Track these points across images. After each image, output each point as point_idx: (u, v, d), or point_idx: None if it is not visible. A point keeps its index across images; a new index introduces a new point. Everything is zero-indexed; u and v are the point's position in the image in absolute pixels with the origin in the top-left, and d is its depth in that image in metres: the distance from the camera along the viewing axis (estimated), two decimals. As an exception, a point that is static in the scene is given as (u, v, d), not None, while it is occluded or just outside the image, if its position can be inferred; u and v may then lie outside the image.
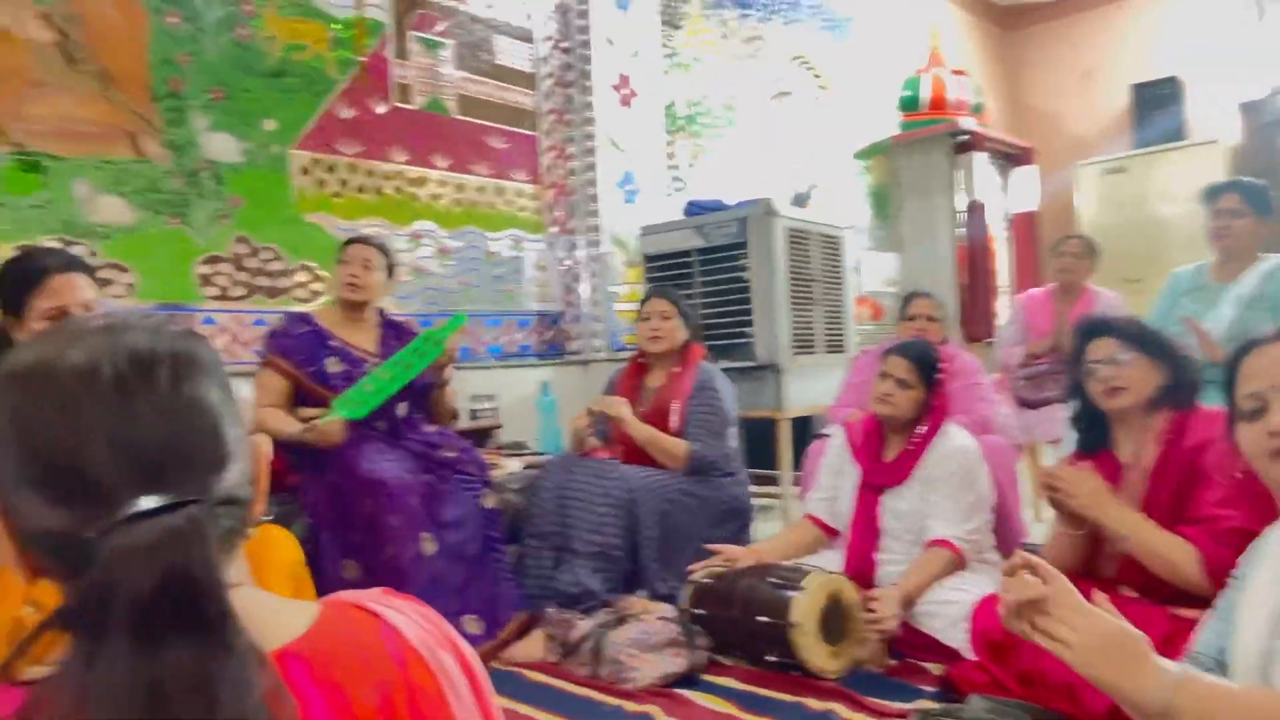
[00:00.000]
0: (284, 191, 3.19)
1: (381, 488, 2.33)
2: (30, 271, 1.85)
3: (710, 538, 2.64)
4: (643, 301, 3.01)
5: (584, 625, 2.32)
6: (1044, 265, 4.70)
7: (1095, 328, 2.05)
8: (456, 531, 2.43)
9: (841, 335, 4.03)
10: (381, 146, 3.47)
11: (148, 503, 0.53)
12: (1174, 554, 1.77)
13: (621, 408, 2.78)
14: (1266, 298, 2.82)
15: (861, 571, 2.41)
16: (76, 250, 2.60)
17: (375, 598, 0.66)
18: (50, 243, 2.61)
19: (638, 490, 2.62)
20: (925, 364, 2.45)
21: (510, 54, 3.93)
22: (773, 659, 2.21)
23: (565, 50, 4.09)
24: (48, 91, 2.67)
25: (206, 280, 2.99)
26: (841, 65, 5.48)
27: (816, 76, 5.34)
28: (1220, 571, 1.68)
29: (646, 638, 2.22)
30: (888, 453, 2.51)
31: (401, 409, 2.60)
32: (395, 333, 2.72)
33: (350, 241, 2.68)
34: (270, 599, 0.62)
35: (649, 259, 3.98)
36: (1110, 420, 2.02)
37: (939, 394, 2.48)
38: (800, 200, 4.66)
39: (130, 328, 0.59)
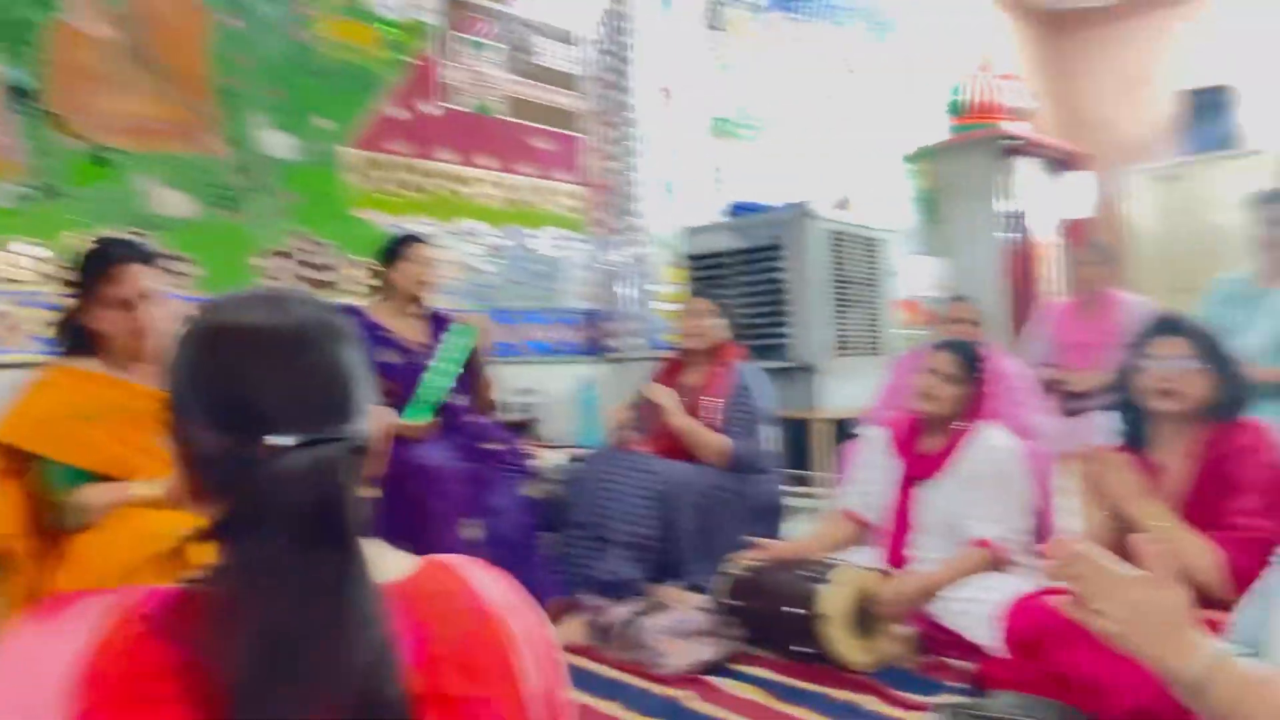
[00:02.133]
0: (336, 188, 3.30)
1: (427, 474, 2.41)
2: (99, 260, 1.95)
3: (744, 533, 2.68)
4: (685, 301, 3.06)
5: (619, 611, 2.37)
6: (1071, 275, 4.66)
7: (1170, 325, 2.04)
8: (499, 519, 2.51)
9: (880, 337, 4.04)
10: (429, 146, 3.57)
11: (305, 436, 0.64)
12: (1195, 556, 1.78)
13: (667, 396, 2.84)
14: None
15: (896, 566, 2.43)
16: (141, 241, 2.73)
17: (468, 563, 0.77)
18: (119, 233, 2.73)
19: (674, 483, 2.67)
20: (969, 361, 2.48)
21: (554, 56, 4.01)
22: (802, 650, 2.24)
23: (609, 53, 4.16)
24: (116, 88, 2.80)
25: (262, 273, 3.10)
26: (889, 68, 5.48)
27: (862, 80, 5.35)
28: (1241, 580, 1.67)
29: (679, 625, 2.27)
30: (926, 446, 2.53)
31: (453, 398, 2.70)
32: (440, 323, 2.82)
33: (411, 239, 2.78)
34: (377, 545, 0.71)
35: (691, 259, 4.03)
36: (1152, 420, 2.02)
37: (980, 393, 2.50)
38: (841, 204, 4.67)
39: (293, 300, 0.72)
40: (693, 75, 4.35)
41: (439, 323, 2.83)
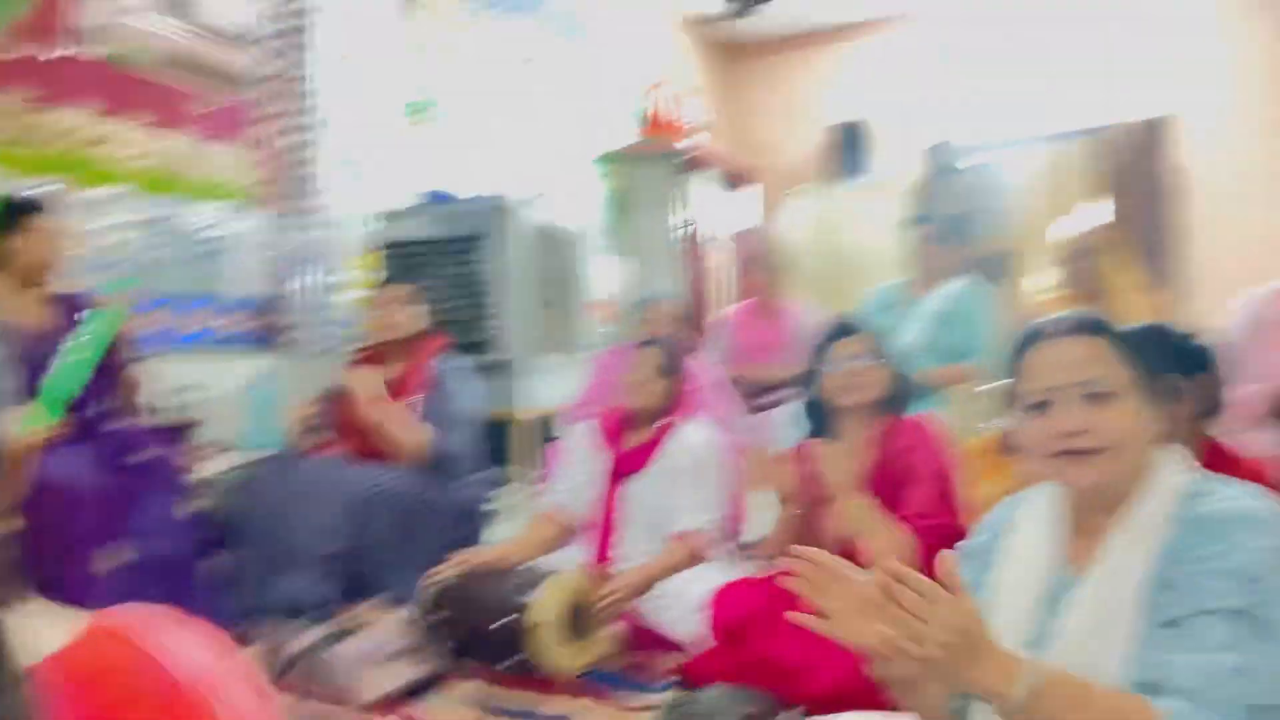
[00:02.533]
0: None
1: (55, 493, 1.96)
2: None
3: (445, 540, 2.50)
4: (377, 289, 2.81)
5: (304, 639, 2.09)
6: (745, 283, 5.03)
7: (848, 327, 2.20)
8: (152, 542, 2.11)
9: (579, 335, 4.04)
10: (61, 95, 2.96)
11: None
12: (896, 546, 1.92)
13: (367, 382, 2.58)
14: (951, 315, 3.20)
15: (604, 561, 2.40)
16: None
17: (152, 620, 0.60)
18: None
19: (367, 489, 2.43)
20: (674, 358, 2.53)
21: (223, 10, 3.52)
22: (513, 662, 2.12)
23: (287, 14, 3.75)
24: None
25: None
26: (581, 70, 5.54)
27: (552, 77, 5.36)
28: (920, 569, 1.84)
29: (377, 648, 2.05)
30: (633, 440, 2.54)
31: (89, 397, 2.23)
32: (72, 307, 2.34)
33: (32, 205, 2.29)
34: (27, 603, 0.57)
35: (385, 246, 3.74)
36: (835, 415, 2.17)
37: (683, 388, 2.57)
38: (536, 199, 4.62)
39: None
40: (383, 51, 4.05)
41: (71, 307, 2.35)
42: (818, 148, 6.58)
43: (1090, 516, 1.14)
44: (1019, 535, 1.22)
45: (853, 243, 6.13)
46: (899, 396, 2.17)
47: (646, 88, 5.69)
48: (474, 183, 4.24)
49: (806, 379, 2.24)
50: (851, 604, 1.04)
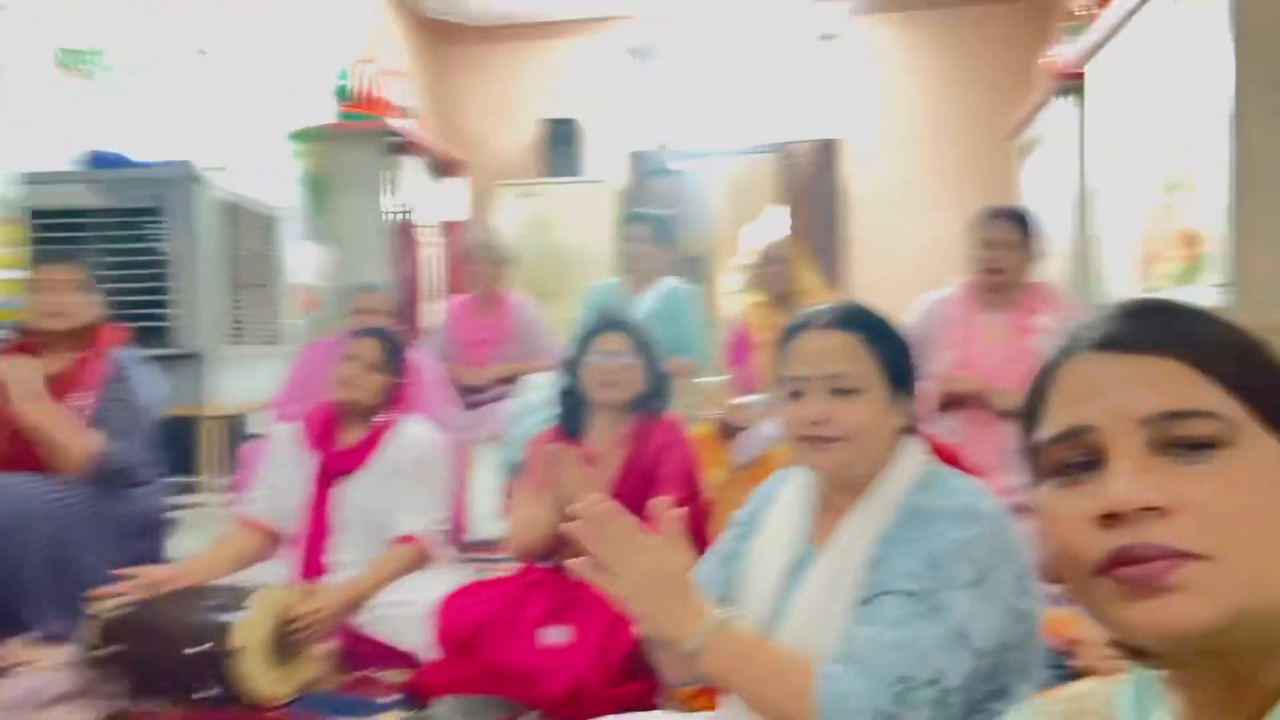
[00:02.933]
0: None
1: None
2: None
3: (118, 560, 2.15)
4: (33, 267, 2.36)
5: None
6: (464, 275, 4.93)
7: (614, 323, 2.18)
8: None
9: (277, 325, 3.69)
10: None
11: None
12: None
13: (23, 374, 2.14)
14: (665, 313, 3.33)
15: (314, 573, 2.20)
16: None
17: None
18: None
19: (14, 504, 2.03)
20: (392, 350, 2.38)
21: None
22: (210, 694, 1.87)
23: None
24: None
25: None
26: (275, 35, 5.07)
27: (243, 42, 4.85)
28: None
29: (33, 694, 1.71)
30: (346, 439, 2.35)
31: None
32: None
33: None
34: None
35: (34, 215, 3.14)
36: (591, 411, 2.15)
37: (401, 383, 2.42)
38: (225, 170, 4.15)
39: None
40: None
41: None
42: (530, 142, 6.58)
43: (836, 497, 1.21)
44: (775, 509, 1.29)
45: (565, 240, 6.21)
46: (655, 396, 2.19)
47: (352, 63, 5.34)
48: (151, 148, 3.71)
49: (566, 371, 2.20)
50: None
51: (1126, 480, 0.52)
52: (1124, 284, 3.29)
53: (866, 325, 1.22)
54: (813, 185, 6.02)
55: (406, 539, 2.23)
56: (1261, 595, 0.50)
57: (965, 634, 1.04)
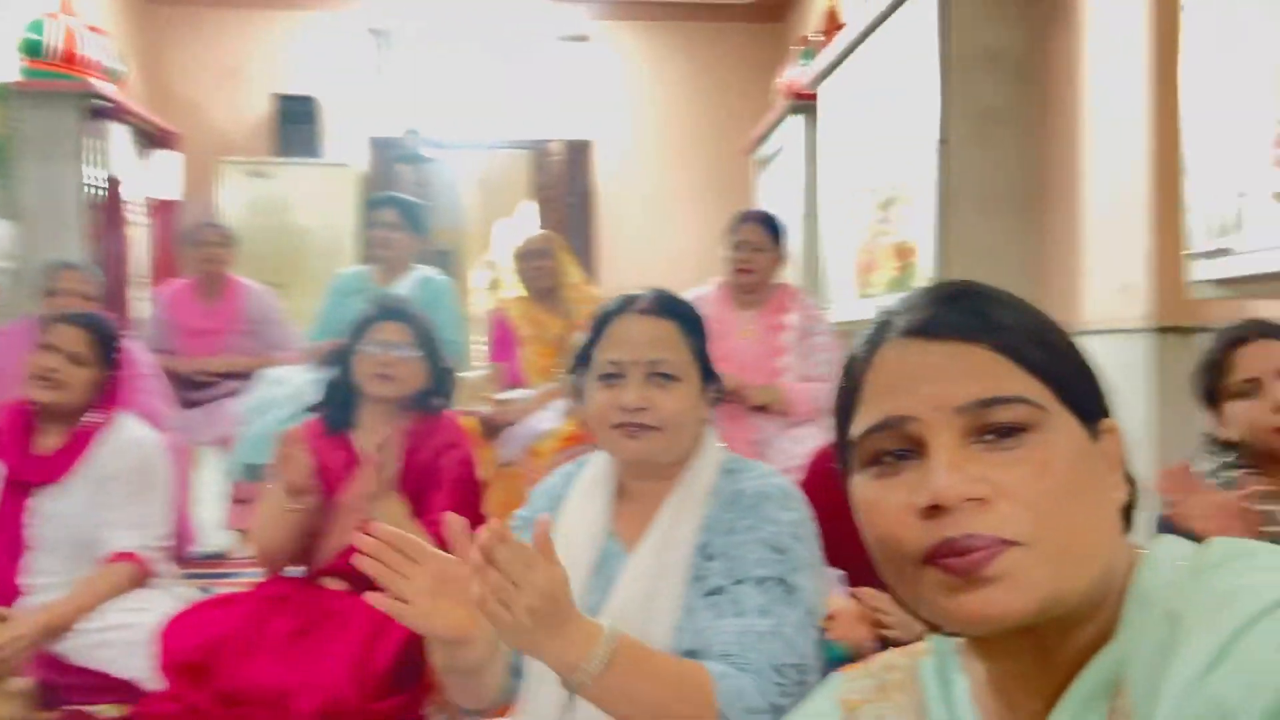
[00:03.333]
0: None
1: None
2: None
3: None
4: None
5: None
6: (184, 257, 4.47)
7: (394, 311, 2.01)
8: None
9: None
10: None
11: None
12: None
13: None
14: (420, 304, 3.18)
15: (7, 601, 1.88)
16: None
17: None
18: None
19: None
20: (103, 339, 2.06)
21: None
22: None
23: None
24: None
25: None
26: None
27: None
28: None
29: None
30: (44, 444, 2.03)
31: None
32: None
33: None
34: None
35: None
36: (364, 405, 1.99)
37: (115, 378, 2.11)
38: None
39: None
40: None
41: None
42: (259, 118, 6.08)
43: (641, 487, 1.20)
44: (569, 507, 1.24)
45: (300, 224, 5.80)
46: (436, 394, 2.05)
47: (45, 14, 4.65)
48: None
49: (335, 358, 2.02)
50: (425, 585, 1.00)
51: (948, 472, 0.53)
52: (845, 291, 3.60)
53: (683, 314, 1.22)
54: (564, 184, 6.06)
55: (121, 556, 1.96)
56: (1072, 574, 0.53)
57: (813, 613, 1.08)
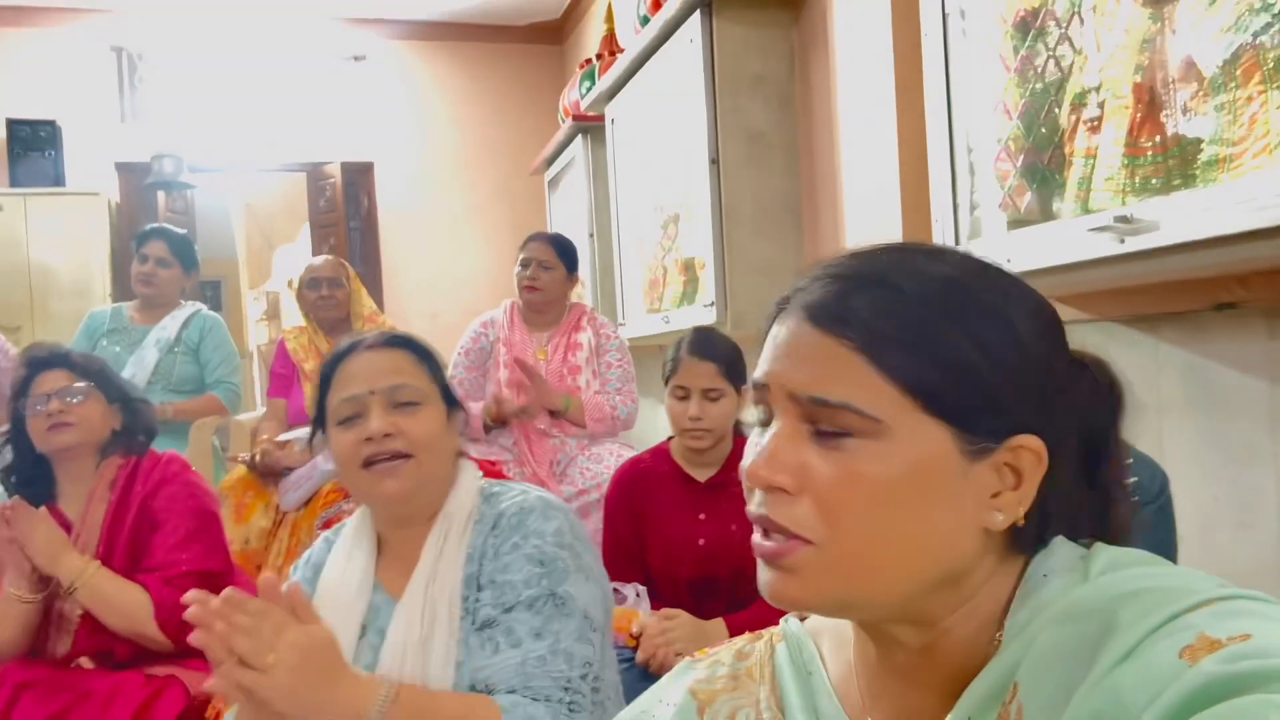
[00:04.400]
0: None
1: None
2: None
3: None
4: None
5: None
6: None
7: (46, 359, 1.80)
8: None
9: None
10: None
11: None
12: (128, 603, 1.66)
13: None
14: (190, 342, 2.94)
15: None
16: None
17: None
18: None
19: None
20: None
21: None
22: None
23: None
24: None
25: None
26: None
27: None
28: (172, 618, 1.63)
29: None
30: None
31: None
32: None
33: None
34: None
35: None
36: (54, 464, 1.79)
37: None
38: None
39: None
40: None
41: None
42: (-15, 144, 5.42)
43: (402, 535, 1.16)
44: (329, 568, 1.19)
45: (41, 260, 5.23)
46: (129, 433, 1.87)
47: None
48: None
49: (14, 426, 1.80)
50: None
51: (762, 455, 0.55)
52: (636, 307, 3.68)
53: (414, 345, 1.22)
54: (344, 207, 5.82)
55: None
56: (868, 585, 0.53)
57: (589, 617, 1.08)
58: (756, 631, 0.68)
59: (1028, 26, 1.56)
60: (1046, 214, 1.54)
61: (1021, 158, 1.59)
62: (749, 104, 2.81)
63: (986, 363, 0.53)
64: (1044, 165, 1.54)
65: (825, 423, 0.54)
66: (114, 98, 5.61)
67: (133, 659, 1.70)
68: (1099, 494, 0.59)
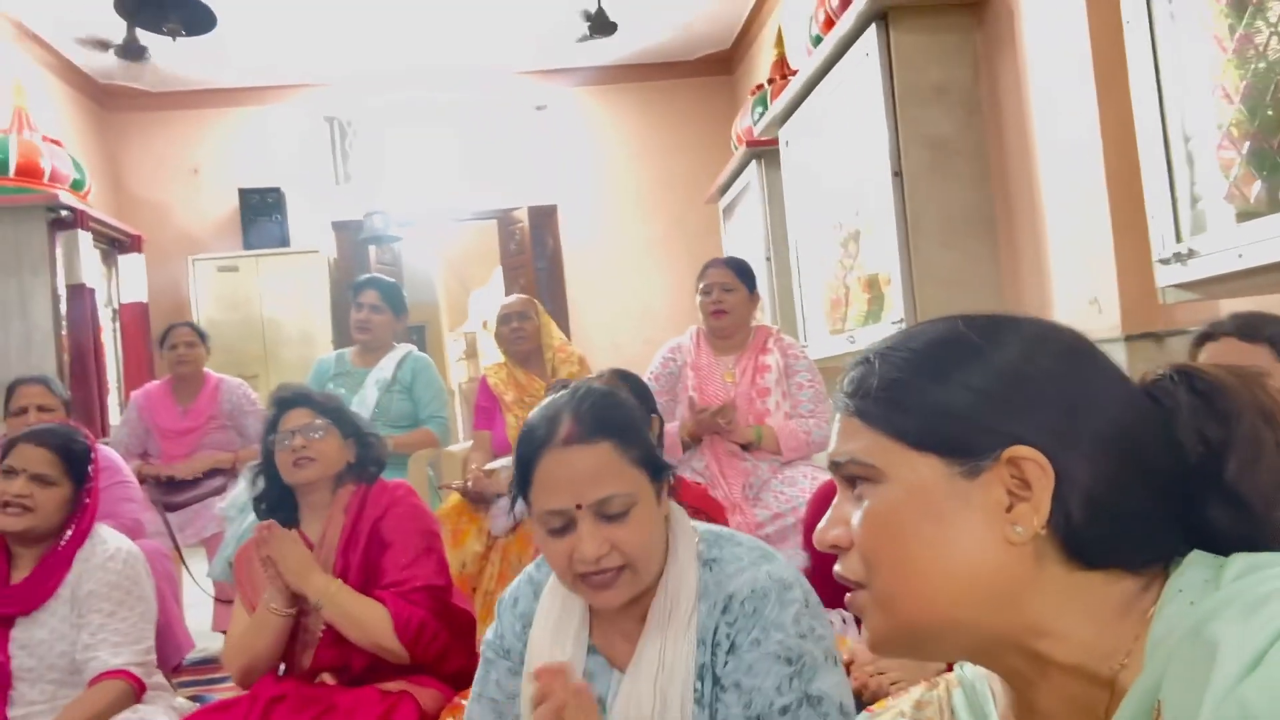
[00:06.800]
0: None
1: None
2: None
3: None
4: None
5: None
6: (157, 359, 4.44)
7: (291, 399, 1.98)
8: None
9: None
10: None
11: None
12: (370, 618, 1.78)
13: None
14: (403, 382, 3.18)
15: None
16: None
17: None
18: None
19: None
20: (71, 453, 1.99)
21: None
22: None
23: None
24: None
25: None
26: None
27: None
28: (410, 628, 1.75)
29: None
30: (16, 574, 1.95)
31: None
32: None
33: None
34: None
35: None
36: (297, 493, 1.96)
37: (91, 490, 2.04)
38: None
39: None
40: None
41: None
42: (225, 213, 6.11)
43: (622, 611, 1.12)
44: (540, 631, 1.17)
45: (271, 315, 5.80)
46: (362, 465, 2.02)
47: (5, 130, 4.68)
48: None
49: (264, 460, 1.99)
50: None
51: (820, 522, 0.64)
52: (819, 328, 3.62)
53: (611, 425, 1.08)
54: (531, 249, 6.10)
55: (111, 674, 1.89)
56: (907, 617, 0.58)
57: (843, 706, 1.03)
58: (932, 680, 0.69)
59: (1244, 4, 1.43)
60: (1276, 204, 1.40)
61: (1247, 144, 1.45)
62: (931, 113, 2.73)
63: (957, 397, 0.58)
64: (1274, 150, 1.40)
65: (848, 480, 0.62)
66: (328, 163, 6.18)
67: (367, 673, 1.83)
68: (1233, 503, 0.56)
